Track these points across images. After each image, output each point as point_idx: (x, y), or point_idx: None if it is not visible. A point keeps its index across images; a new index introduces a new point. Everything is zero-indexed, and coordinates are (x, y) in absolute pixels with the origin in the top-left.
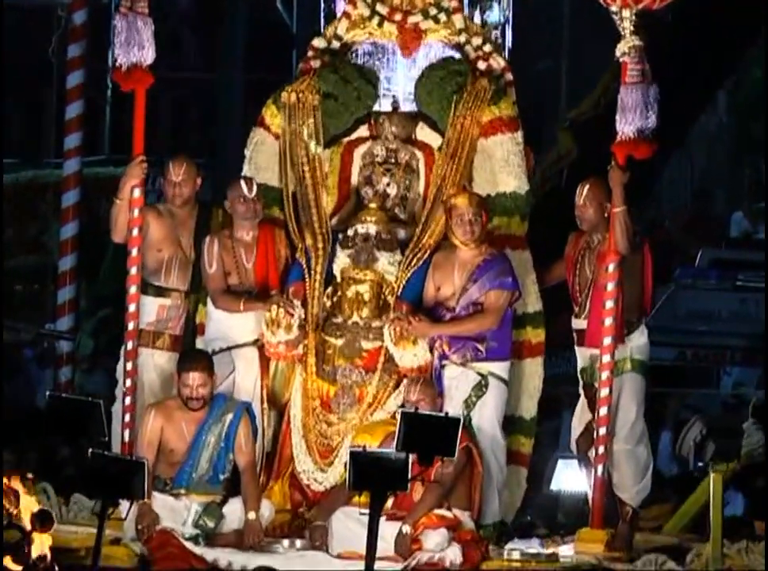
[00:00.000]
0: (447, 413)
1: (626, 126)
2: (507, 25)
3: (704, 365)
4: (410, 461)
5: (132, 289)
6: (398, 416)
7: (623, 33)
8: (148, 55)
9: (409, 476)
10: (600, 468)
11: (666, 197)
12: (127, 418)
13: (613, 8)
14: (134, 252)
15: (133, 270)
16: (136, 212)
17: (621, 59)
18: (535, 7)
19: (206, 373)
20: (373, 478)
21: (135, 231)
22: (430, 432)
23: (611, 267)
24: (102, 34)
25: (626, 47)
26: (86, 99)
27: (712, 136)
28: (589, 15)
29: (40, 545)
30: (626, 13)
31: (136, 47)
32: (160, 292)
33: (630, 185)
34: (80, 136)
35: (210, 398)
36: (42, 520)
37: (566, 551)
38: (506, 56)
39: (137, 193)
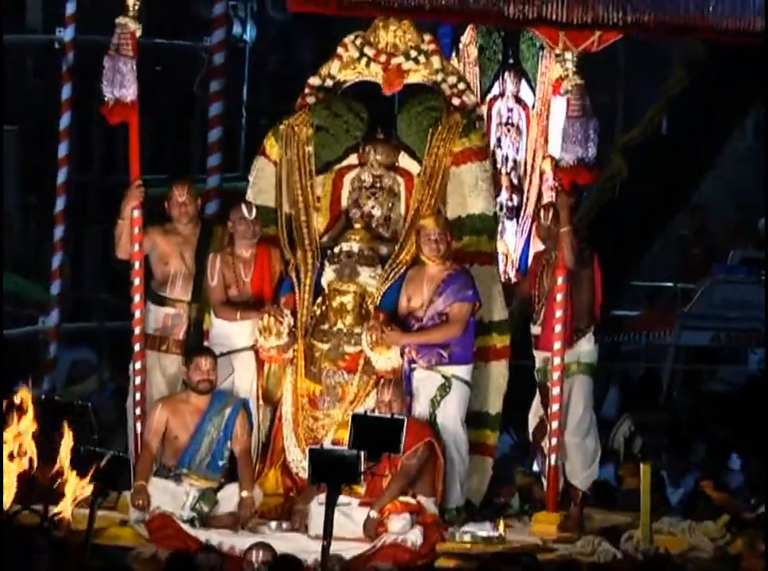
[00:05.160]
0: (392, 415)
1: (567, 155)
2: None
3: (735, 345)
4: (362, 457)
5: (137, 298)
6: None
7: (565, 73)
8: (129, 92)
9: (361, 470)
10: (553, 457)
11: (711, 208)
12: (137, 411)
13: (557, 50)
14: (136, 265)
15: (137, 281)
16: (137, 230)
17: (565, 96)
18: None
19: (215, 360)
20: (329, 473)
21: (136, 247)
22: (378, 432)
23: (560, 280)
24: (238, 72)
25: (569, 85)
26: (225, 126)
27: (740, 156)
28: (640, 56)
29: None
30: (568, 55)
31: (118, 85)
32: (165, 302)
33: (671, 196)
34: (220, 156)
35: (214, 386)
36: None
37: (519, 532)
38: None
39: (136, 213)
